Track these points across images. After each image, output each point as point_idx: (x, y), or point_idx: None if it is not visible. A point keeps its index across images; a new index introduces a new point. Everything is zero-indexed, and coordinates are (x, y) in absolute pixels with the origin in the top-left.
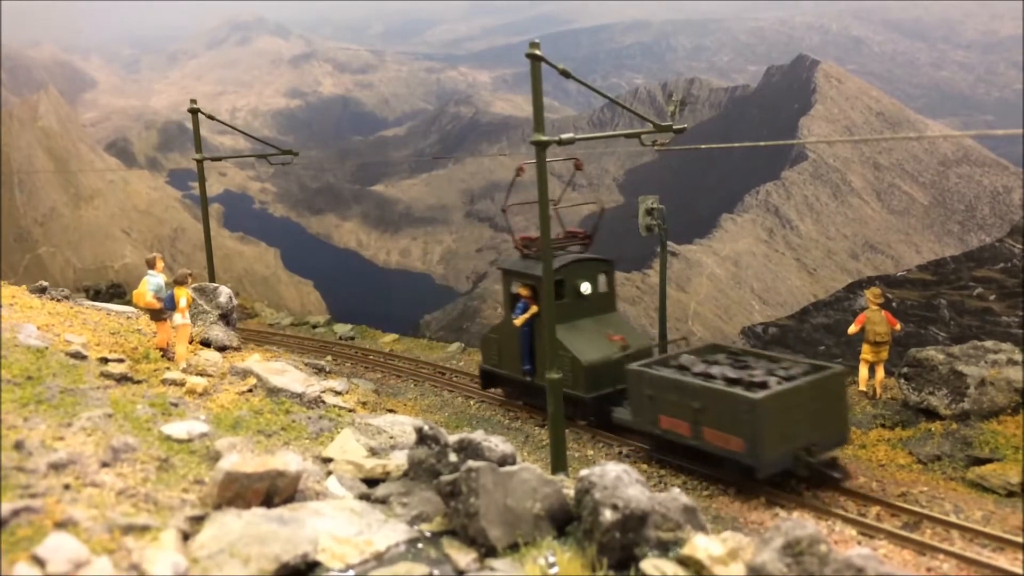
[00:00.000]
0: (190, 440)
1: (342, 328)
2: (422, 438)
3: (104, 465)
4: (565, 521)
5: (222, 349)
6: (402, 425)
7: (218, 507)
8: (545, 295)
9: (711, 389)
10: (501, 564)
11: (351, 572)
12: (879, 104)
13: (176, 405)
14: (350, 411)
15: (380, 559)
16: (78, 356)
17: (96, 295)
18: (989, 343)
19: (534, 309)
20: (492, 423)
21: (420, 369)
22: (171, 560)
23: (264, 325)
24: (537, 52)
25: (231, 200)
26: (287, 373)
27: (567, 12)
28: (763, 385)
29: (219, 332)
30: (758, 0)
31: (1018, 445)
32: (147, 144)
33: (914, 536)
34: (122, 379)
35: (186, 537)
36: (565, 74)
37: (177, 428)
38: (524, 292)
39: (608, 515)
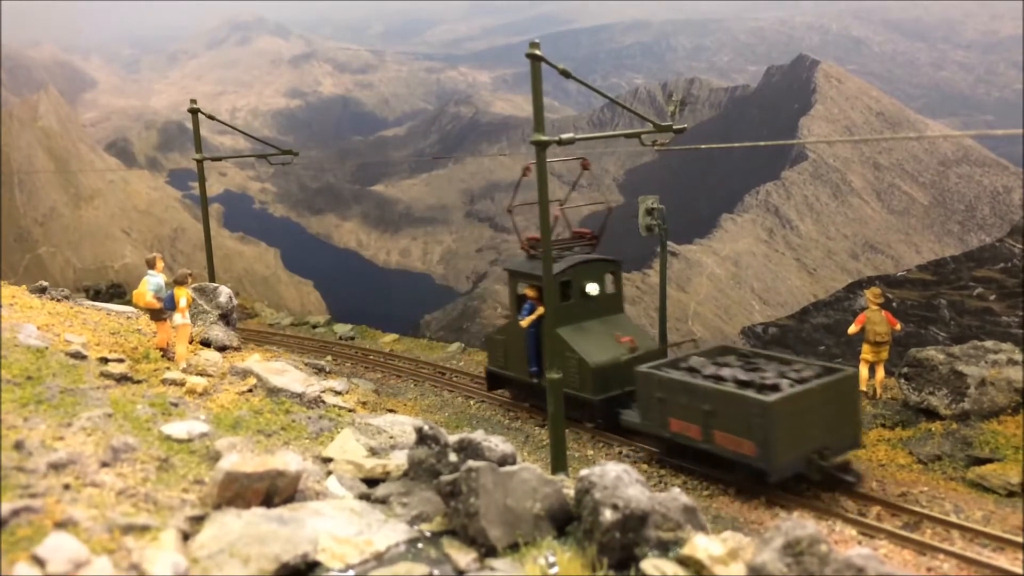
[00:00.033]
0: (190, 440)
1: (342, 328)
2: (422, 438)
3: (104, 465)
4: (565, 521)
5: (222, 349)
6: (402, 425)
7: (218, 507)
8: (546, 295)
9: (722, 392)
10: (501, 564)
11: (351, 572)
12: (879, 104)
13: (176, 405)
14: (350, 411)
15: (380, 559)
16: (78, 356)
17: (96, 295)
18: (989, 343)
19: (541, 310)
20: (492, 423)
21: (420, 369)
22: (171, 560)
23: (264, 325)
24: (537, 52)
25: (231, 200)
26: (287, 373)
27: (567, 12)
28: (775, 388)
29: (219, 332)
30: (758, 0)
31: (1018, 445)
32: (147, 144)
33: (914, 536)
34: (122, 379)
35: (186, 537)
36: (565, 74)
37: (177, 428)
38: (530, 293)
39: (608, 515)
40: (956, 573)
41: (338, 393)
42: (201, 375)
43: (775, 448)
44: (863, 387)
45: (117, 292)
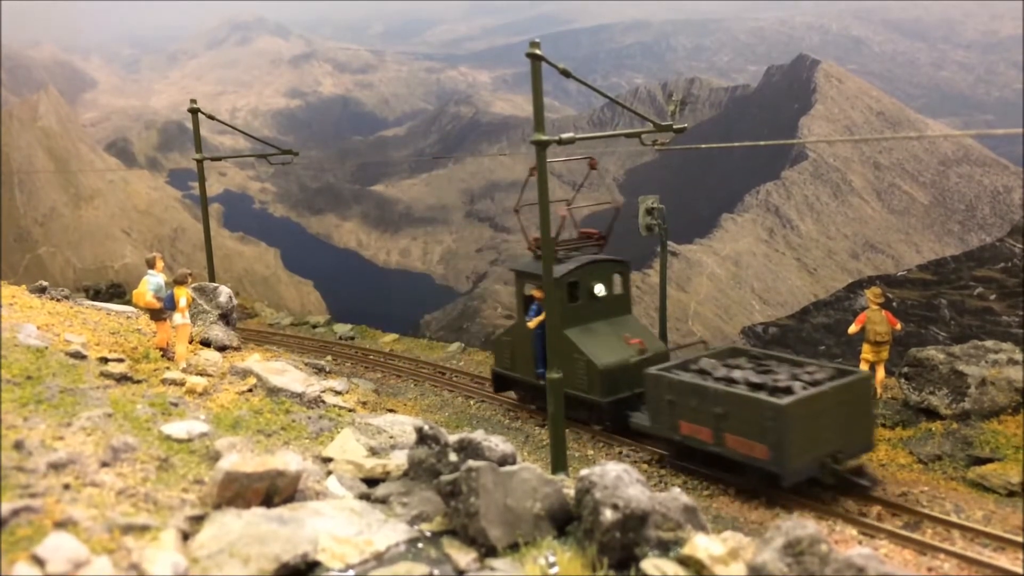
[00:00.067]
0: (190, 440)
1: (342, 328)
2: (422, 438)
3: (104, 465)
4: (565, 521)
5: (222, 349)
6: (402, 425)
7: (218, 507)
8: (547, 295)
9: (734, 394)
10: (501, 564)
11: (351, 572)
12: (879, 104)
13: (176, 405)
14: (350, 411)
15: (380, 559)
16: (78, 356)
17: (96, 295)
18: (990, 343)
19: None
20: (492, 423)
21: (420, 369)
22: (171, 560)
23: (264, 325)
24: (537, 52)
25: (231, 200)
26: (287, 373)
27: (567, 12)
28: (788, 390)
29: (219, 332)
30: (758, 0)
31: (1019, 445)
32: (147, 144)
33: (915, 536)
34: (122, 379)
35: (186, 537)
36: (565, 73)
37: (177, 428)
38: (537, 294)
39: (608, 515)
40: (957, 573)
41: (338, 393)
42: (201, 375)
43: (788, 452)
44: None
45: (117, 292)
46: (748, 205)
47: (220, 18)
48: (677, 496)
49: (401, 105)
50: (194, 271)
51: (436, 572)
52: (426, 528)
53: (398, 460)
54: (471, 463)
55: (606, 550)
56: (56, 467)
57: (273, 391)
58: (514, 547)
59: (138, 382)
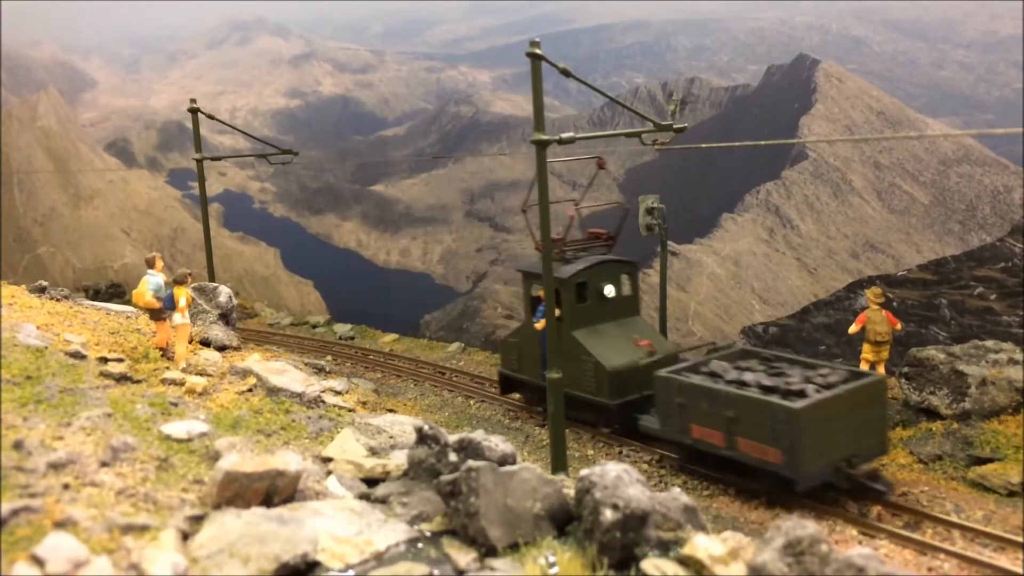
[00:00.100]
0: (189, 440)
1: (342, 328)
2: (422, 438)
3: (103, 465)
4: (565, 521)
5: (222, 349)
6: (402, 425)
7: (218, 507)
8: (546, 295)
9: (747, 398)
10: (501, 564)
11: (351, 572)
12: (879, 103)
13: (176, 405)
14: (350, 411)
15: (380, 559)
16: (77, 356)
17: (96, 295)
18: (990, 342)
19: (556, 312)
20: (492, 423)
21: (420, 369)
22: (170, 560)
23: (264, 325)
24: (537, 51)
25: (231, 200)
26: (287, 373)
27: (567, 12)
28: (801, 393)
29: (219, 332)
30: (758, 0)
31: (1019, 445)
32: (147, 144)
33: (915, 536)
34: (121, 379)
35: (185, 537)
36: (565, 73)
37: (177, 428)
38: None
39: (608, 515)
40: (957, 573)
41: (338, 393)
42: (201, 375)
43: (802, 456)
44: None
45: (117, 292)
46: (748, 205)
47: (220, 18)
48: (677, 496)
49: (401, 105)
50: (194, 271)
51: (436, 572)
52: (426, 528)
53: (398, 460)
54: (471, 463)
55: (606, 550)
56: (56, 467)
57: (273, 391)
58: (514, 547)
59: (138, 382)
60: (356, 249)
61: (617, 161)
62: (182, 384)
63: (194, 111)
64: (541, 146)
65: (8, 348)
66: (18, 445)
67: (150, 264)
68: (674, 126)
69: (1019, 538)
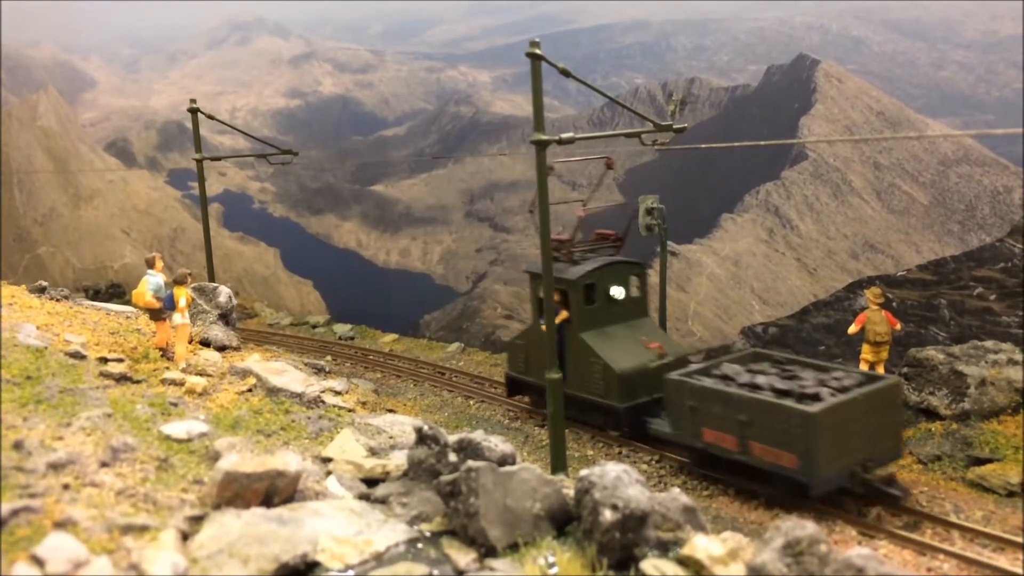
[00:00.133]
0: (189, 440)
1: (342, 328)
2: (422, 438)
3: (103, 465)
4: (565, 521)
5: (221, 349)
6: (402, 425)
7: (217, 507)
8: (546, 295)
9: (761, 401)
10: (501, 564)
11: (350, 572)
12: (879, 104)
13: (175, 405)
14: (350, 411)
15: (380, 559)
16: (77, 356)
17: (95, 295)
18: (989, 343)
19: (564, 314)
20: (492, 423)
21: (420, 369)
22: (170, 560)
23: (264, 325)
24: (537, 51)
25: (231, 200)
26: (287, 373)
27: (567, 12)
28: (816, 397)
29: (218, 332)
30: (758, 0)
31: (1018, 445)
32: (147, 144)
33: (914, 536)
34: (121, 379)
35: (185, 537)
36: (565, 73)
37: (176, 428)
38: (553, 296)
39: (608, 515)
40: (956, 573)
41: (338, 393)
42: (200, 375)
43: (817, 460)
44: None
45: (116, 292)
46: (748, 205)
47: (220, 18)
48: (676, 496)
49: (401, 105)
50: (194, 271)
51: (436, 572)
52: (426, 528)
53: (398, 460)
54: (471, 463)
55: (605, 550)
56: (56, 467)
57: (273, 391)
58: (514, 547)
59: (138, 382)
60: (356, 249)
61: (617, 161)
62: (182, 384)
63: (194, 111)
64: (541, 146)
65: (8, 348)
66: (18, 445)
67: (150, 264)
68: (674, 126)
69: (1018, 538)
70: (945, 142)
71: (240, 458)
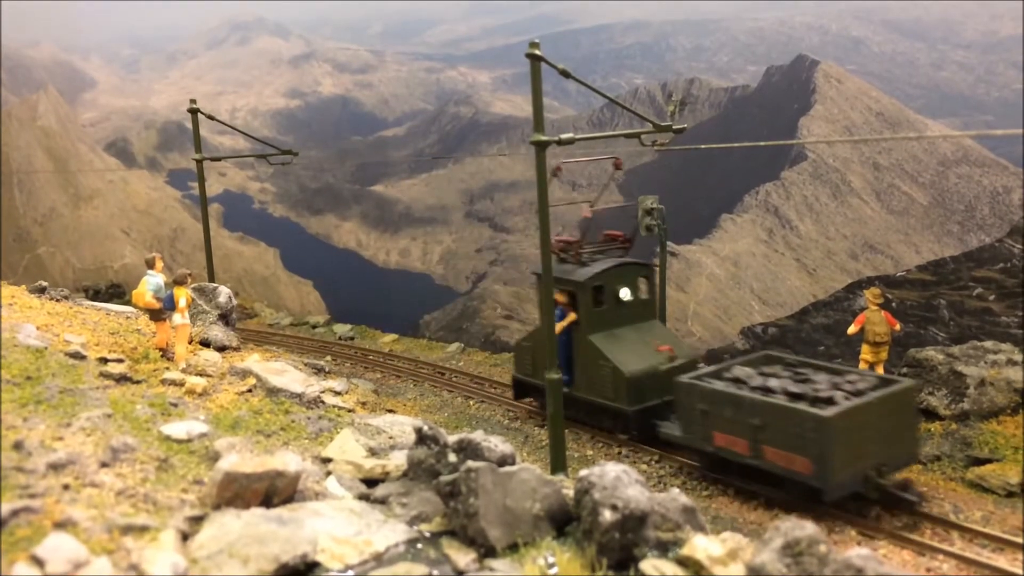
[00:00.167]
0: (189, 440)
1: (342, 328)
2: (421, 438)
3: (103, 465)
4: (564, 521)
5: (221, 349)
6: (401, 425)
7: (217, 507)
8: (544, 296)
9: (774, 405)
10: (500, 564)
11: (350, 572)
12: (879, 104)
13: (175, 405)
14: (349, 411)
15: (379, 559)
16: (77, 356)
17: (95, 295)
18: (989, 343)
19: (572, 316)
20: (492, 423)
21: (420, 369)
22: (170, 560)
23: (264, 325)
24: (537, 52)
25: (231, 200)
26: (286, 373)
27: (567, 12)
28: (830, 401)
29: (218, 332)
30: (758, 0)
31: (1018, 445)
32: (147, 144)
33: (914, 536)
34: (121, 379)
35: (185, 537)
36: (565, 74)
37: (176, 428)
38: (561, 298)
39: (607, 515)
40: (955, 574)
41: (337, 393)
42: (200, 375)
43: (832, 465)
44: None
45: (116, 292)
46: (747, 206)
47: (220, 18)
48: (676, 496)
49: (401, 105)
50: (193, 271)
51: (435, 572)
52: (425, 528)
53: (397, 460)
54: (470, 464)
55: (605, 551)
56: (56, 467)
57: (273, 391)
58: (513, 547)
59: (138, 382)
60: (356, 249)
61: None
62: (182, 385)
63: (194, 111)
64: (540, 147)
65: (8, 348)
66: (18, 445)
67: (150, 264)
68: (673, 127)
69: (1018, 539)
70: (944, 143)
71: (240, 458)
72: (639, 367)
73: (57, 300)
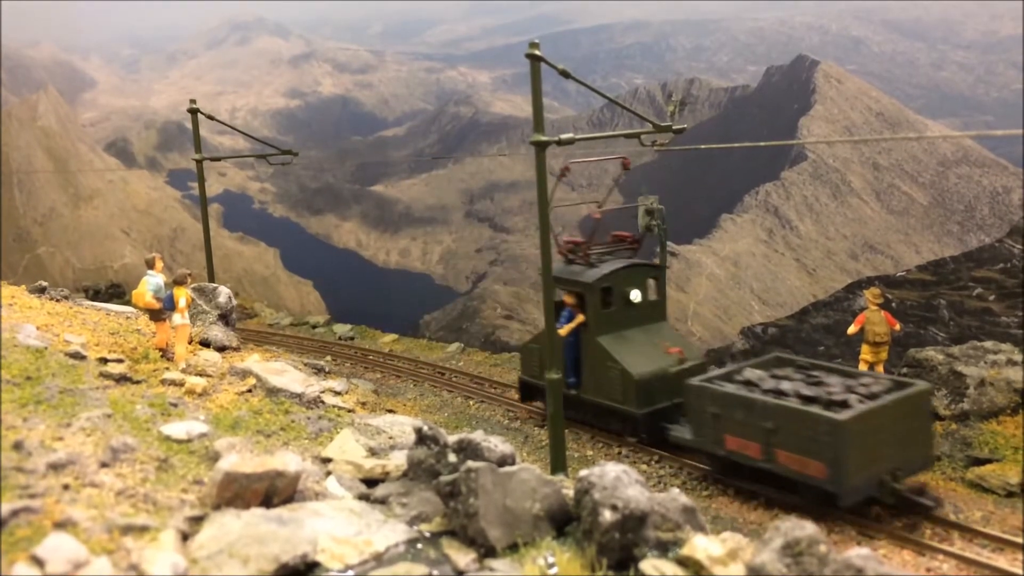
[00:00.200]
0: (189, 440)
1: (341, 328)
2: (421, 438)
3: (103, 465)
4: (564, 521)
5: (221, 349)
6: (401, 425)
7: (217, 507)
8: (545, 295)
9: (787, 408)
10: (500, 564)
11: (350, 572)
12: (879, 104)
13: (175, 405)
14: (349, 411)
15: (379, 559)
16: (77, 356)
17: (95, 295)
18: (988, 343)
19: (580, 318)
20: (491, 423)
21: (420, 369)
22: (170, 560)
23: (264, 325)
24: (537, 52)
25: (230, 200)
26: (286, 373)
27: (567, 12)
28: (844, 404)
29: (218, 332)
30: (758, 0)
31: (1017, 445)
32: (147, 144)
33: (913, 536)
34: (121, 379)
35: (185, 537)
36: (565, 74)
37: (176, 428)
38: (569, 300)
39: (607, 515)
40: (955, 573)
41: (337, 393)
42: (200, 375)
43: (847, 469)
44: None
45: (116, 292)
46: (747, 206)
47: (220, 18)
48: (676, 496)
49: (401, 105)
50: (193, 271)
51: (435, 572)
52: (425, 529)
53: (397, 460)
54: (470, 464)
55: (605, 551)
56: (56, 467)
57: (272, 391)
58: (513, 547)
59: (137, 382)
60: (356, 249)
61: (616, 162)
62: (182, 385)
63: (194, 111)
64: (540, 147)
65: (8, 348)
66: (18, 445)
67: (150, 265)
68: (673, 127)
69: (1018, 539)
70: (944, 143)
71: (240, 458)
72: (648, 369)
73: (57, 300)
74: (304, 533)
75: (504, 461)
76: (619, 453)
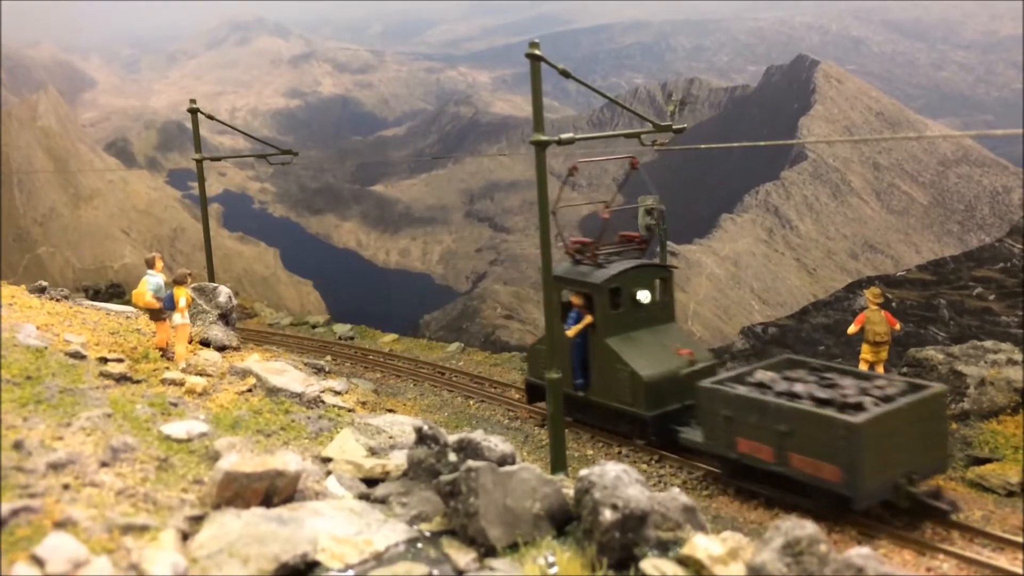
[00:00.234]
0: (189, 440)
1: (341, 328)
2: (421, 438)
3: (103, 465)
4: (565, 521)
5: (221, 349)
6: (401, 425)
7: (217, 507)
8: (545, 295)
9: (801, 411)
10: (501, 564)
11: (350, 572)
12: (879, 104)
13: (175, 405)
14: (349, 411)
15: (379, 559)
16: (77, 356)
17: (95, 295)
18: (989, 343)
19: (588, 319)
20: (492, 423)
21: (420, 369)
22: (170, 560)
23: (264, 325)
24: (537, 52)
25: (230, 200)
26: (286, 373)
27: (567, 12)
28: (859, 406)
29: (218, 332)
30: (758, 0)
31: (1018, 445)
32: (147, 144)
33: (914, 536)
34: (121, 379)
35: (185, 537)
36: (565, 74)
37: (176, 428)
38: (576, 301)
39: (608, 515)
40: (956, 573)
41: (337, 393)
42: (200, 375)
43: (862, 473)
44: None
45: (116, 292)
46: (747, 205)
47: (220, 18)
48: (676, 496)
49: (401, 105)
50: (193, 271)
51: (435, 572)
52: (425, 528)
53: (397, 460)
54: (470, 463)
55: (605, 550)
56: (56, 467)
57: (272, 391)
58: (513, 547)
59: (137, 382)
60: (356, 249)
61: (617, 162)
62: (182, 384)
63: (194, 111)
64: (540, 147)
65: (8, 348)
66: (18, 445)
67: (150, 264)
68: (673, 127)
69: (1018, 538)
70: (944, 142)
71: (240, 458)
72: (657, 371)
73: (57, 300)
74: (304, 533)
75: (504, 460)
76: (619, 452)
